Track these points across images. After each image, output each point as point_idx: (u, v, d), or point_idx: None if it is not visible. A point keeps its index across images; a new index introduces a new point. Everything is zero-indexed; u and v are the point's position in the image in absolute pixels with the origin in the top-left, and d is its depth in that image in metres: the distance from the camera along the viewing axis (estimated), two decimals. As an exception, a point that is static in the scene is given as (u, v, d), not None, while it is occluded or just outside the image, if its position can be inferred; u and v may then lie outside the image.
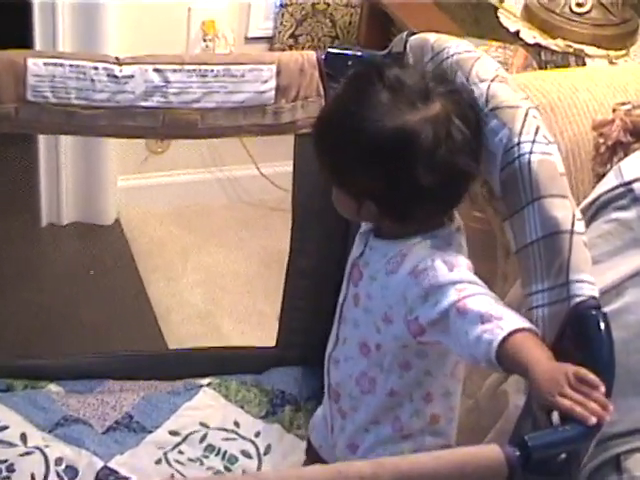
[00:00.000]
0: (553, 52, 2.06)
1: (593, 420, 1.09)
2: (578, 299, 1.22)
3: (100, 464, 1.83)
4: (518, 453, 1.09)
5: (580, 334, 1.21)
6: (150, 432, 1.93)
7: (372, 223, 1.45)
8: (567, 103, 1.70)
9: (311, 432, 1.71)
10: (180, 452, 1.90)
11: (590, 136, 1.65)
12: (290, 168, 2.77)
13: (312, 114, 1.79)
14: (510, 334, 1.20)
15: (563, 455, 1.14)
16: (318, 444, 1.68)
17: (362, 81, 1.38)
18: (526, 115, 1.35)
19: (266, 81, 1.75)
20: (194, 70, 1.72)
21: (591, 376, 1.13)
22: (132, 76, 1.70)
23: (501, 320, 1.23)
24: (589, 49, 2.05)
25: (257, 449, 1.93)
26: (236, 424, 1.97)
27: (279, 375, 2.08)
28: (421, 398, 1.46)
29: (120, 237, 2.73)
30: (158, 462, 1.87)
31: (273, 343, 2.17)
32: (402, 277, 1.35)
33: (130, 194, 2.78)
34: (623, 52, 2.12)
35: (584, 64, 2.04)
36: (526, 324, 1.23)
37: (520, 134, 1.33)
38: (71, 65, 1.66)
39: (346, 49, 1.79)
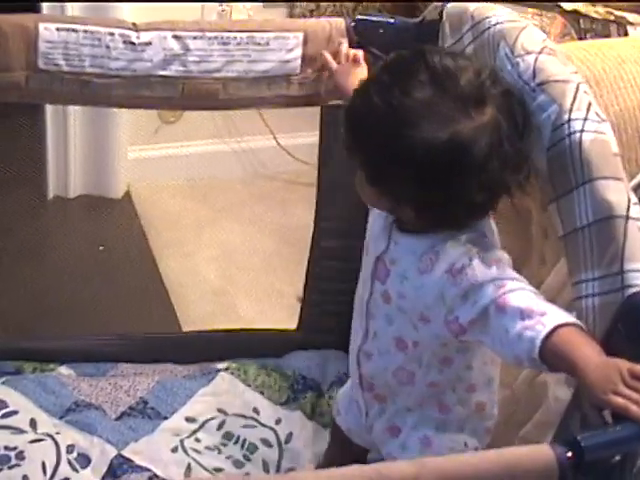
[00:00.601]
0: (593, 20, 1.94)
1: None
2: (633, 289, 1.12)
3: (114, 452, 1.75)
4: (570, 454, 1.01)
5: (635, 326, 1.12)
6: (165, 418, 1.85)
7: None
8: (613, 75, 1.60)
9: (337, 415, 1.65)
10: (197, 440, 1.82)
11: (639, 111, 1.55)
12: (310, 140, 2.68)
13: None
14: (554, 330, 1.13)
15: (617, 457, 1.05)
16: (346, 427, 1.63)
17: (406, 70, 1.25)
18: (577, 90, 1.25)
19: (292, 49, 1.65)
20: (216, 37, 1.62)
21: None
22: (150, 43, 1.60)
23: (544, 315, 1.15)
24: (631, 16, 1.94)
25: (277, 437, 1.84)
26: (255, 411, 1.89)
27: (301, 359, 1.99)
28: (464, 390, 1.42)
29: (130, 211, 2.62)
30: (174, 450, 1.78)
31: (293, 325, 2.09)
32: (438, 277, 1.27)
33: (141, 166, 2.66)
34: (669, 19, 2.00)
35: (626, 33, 1.93)
36: (570, 318, 1.15)
37: (570, 111, 1.24)
38: (85, 31, 1.56)
39: (376, 15, 1.69)
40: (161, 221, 2.58)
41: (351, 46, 1.68)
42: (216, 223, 2.57)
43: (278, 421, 1.87)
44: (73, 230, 2.54)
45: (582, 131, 1.21)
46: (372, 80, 1.29)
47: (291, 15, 2.55)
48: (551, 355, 1.13)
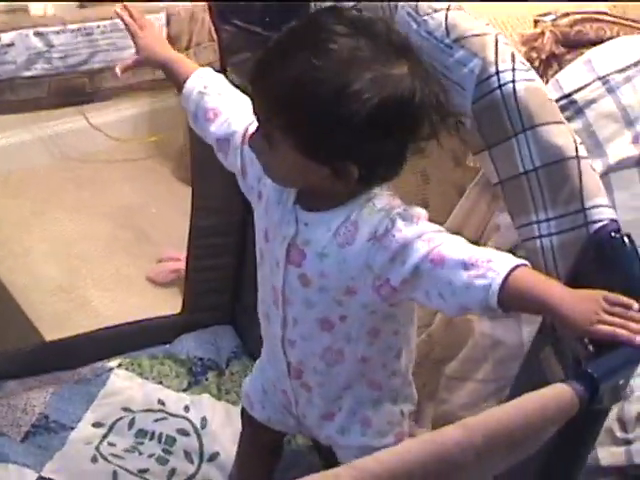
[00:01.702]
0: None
1: (639, 340, 1.05)
2: (598, 224, 1.18)
3: (34, 475, 1.68)
4: (583, 387, 1.04)
5: (605, 258, 1.18)
6: (72, 429, 1.78)
7: (308, 191, 1.28)
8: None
9: (251, 409, 1.57)
10: (110, 444, 1.76)
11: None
12: (118, 115, 2.63)
13: (206, 60, 1.68)
14: (509, 274, 1.13)
15: (621, 381, 1.12)
16: (266, 418, 1.55)
17: (322, 27, 1.18)
18: (497, 42, 1.29)
19: (156, 32, 1.59)
20: (79, 29, 1.55)
21: (622, 297, 1.09)
22: (12, 44, 1.50)
23: (491, 262, 1.14)
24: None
25: (192, 425, 1.82)
26: (161, 402, 1.85)
27: (191, 341, 1.97)
28: (393, 358, 1.39)
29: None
30: (94, 460, 1.73)
31: (151, 307, 2.05)
32: (361, 246, 1.24)
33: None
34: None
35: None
36: (517, 260, 1.15)
37: (496, 63, 1.27)
38: None
39: (235, -13, 1.66)
40: (-19, 223, 2.43)
41: (213, 21, 1.65)
42: (42, 216, 2.45)
43: (186, 408, 1.85)
44: None
45: (513, 81, 1.25)
46: (286, 44, 1.21)
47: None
48: (512, 299, 1.12)
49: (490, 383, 1.61)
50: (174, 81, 1.47)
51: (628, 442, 1.52)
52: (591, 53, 1.53)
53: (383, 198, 1.26)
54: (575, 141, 1.21)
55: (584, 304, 1.09)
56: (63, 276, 2.31)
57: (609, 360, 1.08)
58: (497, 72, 1.26)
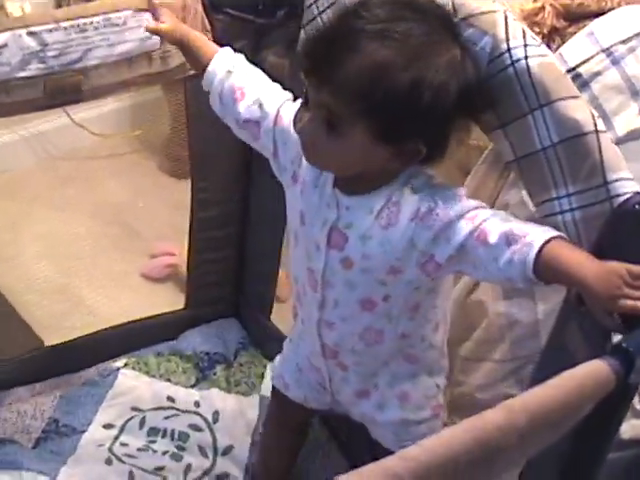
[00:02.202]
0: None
1: None
2: (622, 197, 1.17)
3: (49, 482, 1.65)
4: (619, 362, 1.04)
5: (630, 231, 1.17)
6: (83, 432, 1.76)
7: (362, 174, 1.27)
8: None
9: (286, 389, 1.57)
10: (123, 444, 1.74)
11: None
12: (99, 111, 2.60)
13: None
14: (542, 247, 1.15)
15: None
16: (302, 396, 1.56)
17: (391, 13, 1.20)
18: (506, 19, 1.27)
19: (150, 25, 1.56)
20: (72, 26, 1.51)
21: None
22: (5, 45, 1.46)
23: (527, 235, 1.17)
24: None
25: (204, 419, 1.80)
26: (170, 399, 1.83)
27: (197, 336, 1.95)
28: (431, 331, 1.41)
29: None
30: (108, 462, 1.70)
31: (148, 303, 2.03)
32: (405, 226, 1.25)
33: None
34: None
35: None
36: (553, 232, 1.18)
37: (507, 40, 1.25)
38: None
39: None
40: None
41: (206, 11, 1.62)
42: (31, 217, 2.41)
43: (197, 404, 1.83)
44: None
45: (526, 57, 1.23)
46: (349, 30, 1.19)
47: (59, 5, 2.38)
48: (545, 271, 1.15)
49: (507, 363, 1.60)
50: (195, 58, 1.45)
51: (648, 413, 1.52)
52: (593, 25, 1.51)
53: (421, 177, 1.28)
54: (593, 115, 1.20)
55: (607, 277, 1.10)
56: (56, 277, 2.28)
57: (641, 333, 1.09)
58: (509, 49, 1.25)
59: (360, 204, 1.28)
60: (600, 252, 1.19)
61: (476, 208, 1.24)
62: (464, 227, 1.22)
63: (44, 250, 2.34)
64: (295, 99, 1.38)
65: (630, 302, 1.07)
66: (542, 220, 1.32)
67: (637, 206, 1.17)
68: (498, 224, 1.21)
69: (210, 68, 1.41)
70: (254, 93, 1.38)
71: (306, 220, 1.35)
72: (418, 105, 1.17)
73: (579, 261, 1.13)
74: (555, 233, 1.18)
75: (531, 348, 1.55)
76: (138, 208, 2.49)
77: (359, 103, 1.18)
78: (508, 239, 1.18)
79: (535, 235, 1.17)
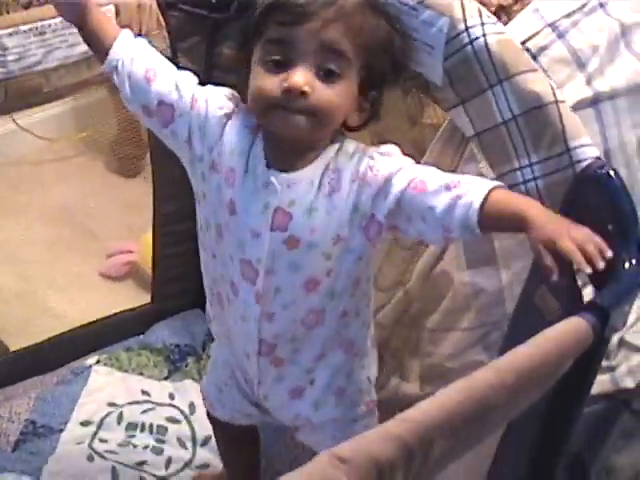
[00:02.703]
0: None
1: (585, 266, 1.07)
2: (585, 163, 1.23)
3: (34, 482, 1.66)
4: (595, 317, 1.09)
5: (594, 195, 1.22)
6: (61, 431, 1.78)
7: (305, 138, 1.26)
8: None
9: (213, 410, 1.57)
10: (102, 441, 1.77)
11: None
12: (43, 115, 2.60)
13: (157, 48, 1.65)
14: (489, 192, 1.15)
15: (627, 307, 1.17)
16: (229, 416, 1.55)
17: None
18: (462, 0, 1.32)
19: (106, 24, 1.59)
20: (31, 30, 1.53)
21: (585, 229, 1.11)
22: (-34, 51, 1.48)
23: (471, 183, 1.18)
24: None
25: (181, 411, 1.83)
26: (145, 393, 1.86)
27: (165, 329, 1.98)
28: (365, 306, 1.41)
29: None
30: (90, 458, 1.73)
31: (111, 301, 2.06)
32: (348, 189, 1.26)
33: None
34: None
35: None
36: (498, 182, 1.19)
37: (465, 19, 1.31)
38: None
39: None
40: None
41: (160, 8, 1.65)
42: (-18, 224, 2.42)
43: (171, 396, 1.86)
44: None
45: (484, 35, 1.28)
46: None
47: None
48: (492, 216, 1.15)
49: (475, 330, 1.65)
50: (98, 40, 1.34)
51: (612, 369, 1.58)
52: (538, 2, 1.57)
53: (351, 143, 1.30)
54: (552, 86, 1.26)
55: (556, 220, 1.12)
56: (17, 283, 2.28)
57: (614, 289, 1.13)
58: (466, 28, 1.30)
59: (300, 178, 1.27)
60: (564, 215, 1.25)
61: (413, 163, 1.27)
62: (401, 179, 1.22)
63: (1, 257, 2.34)
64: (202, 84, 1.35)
65: (570, 244, 1.07)
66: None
67: (599, 170, 1.23)
68: (436, 175, 1.22)
69: (115, 48, 1.32)
70: (168, 74, 1.33)
71: (238, 208, 1.29)
72: (391, 55, 1.27)
73: (528, 204, 1.14)
74: (499, 183, 1.19)
75: (497, 315, 1.61)
76: (90, 209, 2.51)
77: (366, 56, 1.24)
78: (448, 185, 1.18)
79: (481, 182, 1.18)
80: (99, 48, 1.34)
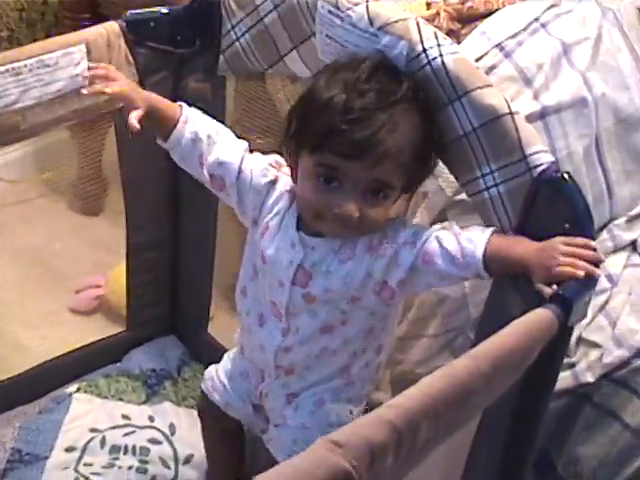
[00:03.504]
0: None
1: (580, 274, 1.22)
2: (540, 168, 1.32)
3: (24, 508, 1.71)
4: (560, 308, 1.19)
5: (551, 197, 1.32)
6: (46, 458, 1.82)
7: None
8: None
9: (211, 392, 1.67)
10: (87, 464, 1.82)
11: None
12: (7, 158, 2.66)
13: (127, 83, 1.75)
14: (485, 248, 1.31)
15: (587, 299, 1.26)
16: (225, 401, 1.65)
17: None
18: (418, 24, 1.41)
19: (78, 63, 1.66)
20: (7, 70, 1.59)
21: (577, 239, 1.25)
22: (-56, 92, 1.54)
23: (470, 242, 1.33)
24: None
25: (162, 432, 1.89)
26: (125, 417, 1.91)
27: (141, 355, 2.04)
28: (373, 350, 1.51)
29: None
30: (76, 482, 1.77)
31: (83, 336, 2.10)
32: (360, 258, 1.38)
33: None
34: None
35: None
36: (487, 230, 1.34)
37: (422, 42, 1.40)
38: None
39: (145, 12, 1.75)
40: None
41: (128, 45, 1.73)
42: (-48, 268, 2.46)
43: (151, 418, 1.91)
44: None
45: (441, 55, 1.38)
46: (372, 113, 1.31)
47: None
48: (495, 267, 1.31)
49: (441, 336, 1.75)
50: (159, 124, 1.49)
51: (572, 365, 1.68)
52: (484, 25, 1.69)
53: None
54: (506, 99, 1.36)
55: (544, 253, 1.26)
56: (-13, 324, 2.33)
57: (578, 283, 1.23)
58: (424, 50, 1.39)
59: (322, 244, 1.41)
60: (526, 221, 1.35)
61: (419, 231, 1.38)
62: (410, 250, 1.36)
63: (-33, 300, 2.38)
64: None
65: (563, 268, 1.22)
66: (462, 202, 1.48)
67: (554, 174, 1.32)
68: (441, 243, 1.35)
69: (173, 136, 1.48)
70: (215, 155, 1.48)
71: (268, 260, 1.45)
72: (430, 165, 1.41)
73: (520, 247, 1.30)
74: (490, 229, 1.34)
75: (461, 320, 1.71)
76: (55, 249, 2.56)
77: (408, 167, 1.34)
78: (453, 257, 1.33)
79: (476, 239, 1.33)
80: (161, 129, 1.50)
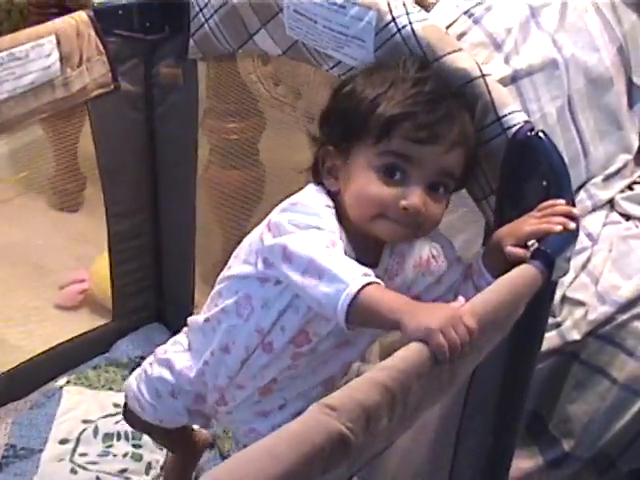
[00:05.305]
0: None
1: (568, 226, 1.22)
2: (515, 128, 1.33)
3: (21, 500, 1.72)
4: (543, 264, 1.20)
5: (528, 156, 1.33)
6: (41, 451, 1.83)
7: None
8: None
9: (142, 410, 1.53)
10: (82, 454, 1.82)
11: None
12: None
13: (99, 73, 1.77)
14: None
15: (569, 254, 1.27)
16: (159, 418, 1.53)
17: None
18: (386, -7, 1.43)
19: (49, 55, 1.67)
20: (-21, 65, 1.60)
21: (545, 203, 1.26)
22: None
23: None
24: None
25: (153, 417, 1.89)
26: (116, 405, 1.91)
27: (127, 344, 2.05)
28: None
29: None
30: (73, 472, 1.78)
31: (69, 331, 2.11)
32: (410, 274, 1.35)
33: None
34: None
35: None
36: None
37: (390, 11, 1.41)
38: None
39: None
40: None
41: (98, 34, 1.73)
42: None
43: (142, 404, 1.92)
44: None
45: (410, 23, 1.39)
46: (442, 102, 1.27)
47: None
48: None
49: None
50: None
51: (558, 325, 1.70)
52: (451, -8, 1.70)
53: None
54: (477, 62, 1.37)
55: (516, 225, 1.27)
56: (-29, 325, 2.32)
57: (557, 238, 1.24)
58: (393, 18, 1.40)
59: (376, 271, 1.25)
60: (503, 180, 1.37)
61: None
62: (456, 270, 1.36)
63: (-48, 299, 2.38)
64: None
65: (539, 226, 1.22)
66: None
67: (529, 133, 1.33)
68: None
69: None
70: None
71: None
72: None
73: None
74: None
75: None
76: (37, 246, 2.55)
77: (469, 162, 1.30)
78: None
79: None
80: None
